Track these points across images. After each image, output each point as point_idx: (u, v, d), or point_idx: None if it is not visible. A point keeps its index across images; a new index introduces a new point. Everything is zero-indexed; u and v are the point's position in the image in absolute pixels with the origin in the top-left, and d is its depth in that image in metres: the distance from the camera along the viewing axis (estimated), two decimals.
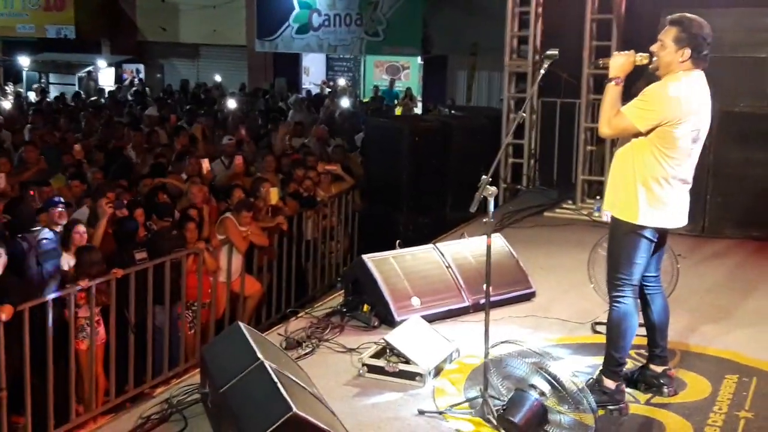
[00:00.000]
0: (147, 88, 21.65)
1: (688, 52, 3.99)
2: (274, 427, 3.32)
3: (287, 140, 11.76)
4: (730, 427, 4.08)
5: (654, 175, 4.06)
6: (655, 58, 4.09)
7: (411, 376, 4.53)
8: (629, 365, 4.56)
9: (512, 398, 3.96)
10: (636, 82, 4.22)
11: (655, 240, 4.20)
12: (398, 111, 18.14)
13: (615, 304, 4.24)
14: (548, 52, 4.18)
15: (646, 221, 4.09)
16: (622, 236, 4.17)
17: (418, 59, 21.89)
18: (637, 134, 4.05)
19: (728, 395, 4.43)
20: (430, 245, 6.04)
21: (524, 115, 9.38)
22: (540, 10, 9.62)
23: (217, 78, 22.56)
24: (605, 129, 4.11)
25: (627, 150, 4.14)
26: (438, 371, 4.63)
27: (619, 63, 4.12)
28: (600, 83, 8.85)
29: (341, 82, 22.22)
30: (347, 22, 21.66)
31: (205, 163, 9.17)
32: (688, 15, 4.06)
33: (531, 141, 9.85)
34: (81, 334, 6.13)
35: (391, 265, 5.54)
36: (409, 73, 22.69)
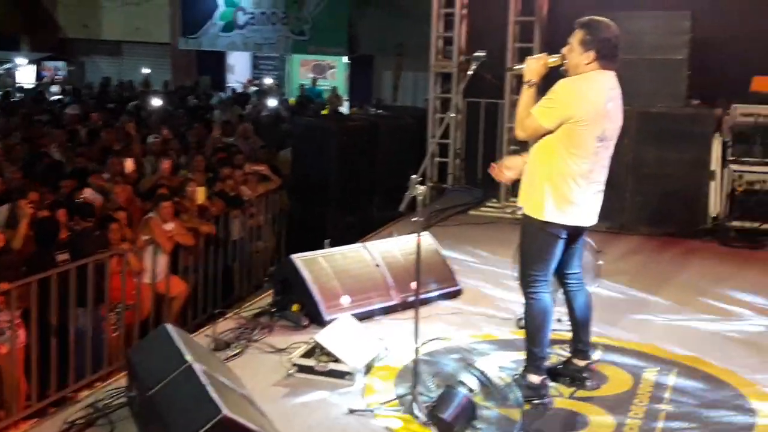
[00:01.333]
0: (73, 87, 21.05)
1: (593, 54, 4.08)
2: (203, 430, 3.29)
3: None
4: (650, 418, 4.20)
5: (561, 173, 4.12)
6: (566, 60, 4.20)
7: (341, 374, 4.54)
8: (553, 359, 4.67)
9: (441, 395, 4.01)
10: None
11: (565, 237, 4.26)
12: (325, 111, 18.12)
13: (530, 300, 4.32)
14: (476, 54, 4.25)
15: (553, 218, 4.16)
16: (532, 233, 4.25)
17: (345, 59, 21.90)
18: (548, 133, 4.13)
19: (648, 388, 4.56)
20: (360, 244, 6.07)
21: (452, 115, 9.49)
22: (465, 11, 9.74)
23: (145, 71, 22.11)
24: (519, 132, 4.23)
25: (537, 148, 4.22)
26: (368, 369, 4.65)
27: (533, 67, 4.23)
28: (522, 84, 9.04)
29: (267, 81, 22.06)
30: (273, 21, 21.54)
31: (128, 162, 9.00)
32: (596, 18, 4.16)
33: (456, 141, 9.97)
34: (1, 338, 5.96)
35: (320, 265, 5.54)
36: (335, 73, 22.69)
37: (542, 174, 4.17)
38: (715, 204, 8.00)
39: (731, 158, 7.95)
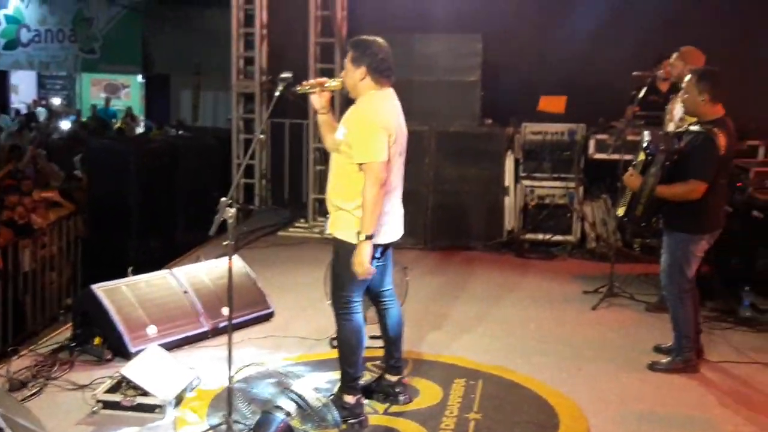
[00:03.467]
0: None
1: (364, 69, 4.17)
2: None
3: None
4: (461, 428, 4.32)
5: (384, 191, 4.16)
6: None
7: (150, 408, 4.35)
8: (367, 377, 4.72)
9: (258, 421, 3.93)
10: None
11: (378, 256, 4.32)
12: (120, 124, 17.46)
13: (343, 322, 4.34)
14: (282, 75, 4.24)
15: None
16: (345, 256, 4.20)
17: (139, 78, 21.20)
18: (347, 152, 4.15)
19: (458, 398, 4.70)
20: (166, 270, 5.85)
21: (262, 137, 9.42)
22: (265, 31, 9.71)
23: None
24: (375, 187, 4.05)
25: (341, 169, 4.22)
26: (179, 401, 4.48)
27: (315, 99, 4.33)
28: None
29: (56, 101, 20.92)
30: (60, 38, 20.52)
31: None
32: (365, 37, 4.28)
33: (262, 162, 9.90)
34: None
35: (123, 294, 5.29)
36: (130, 92, 21.91)
37: (350, 196, 4.16)
38: (510, 218, 8.43)
39: (523, 174, 8.42)
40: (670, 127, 6.12)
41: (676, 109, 6.01)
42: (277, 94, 4.21)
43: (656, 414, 4.59)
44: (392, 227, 4.33)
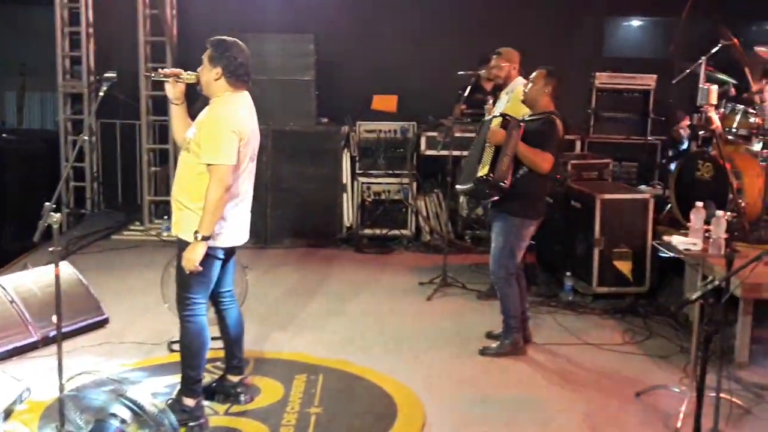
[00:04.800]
0: None
1: (220, 70, 4.19)
2: None
3: None
4: (302, 423, 4.40)
5: (229, 196, 4.17)
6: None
7: None
8: (207, 378, 4.69)
9: (92, 430, 3.83)
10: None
11: (222, 258, 4.35)
12: None
13: (186, 323, 4.31)
14: (106, 75, 4.18)
15: (215, 243, 4.20)
16: None
17: None
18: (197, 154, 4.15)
19: (299, 394, 4.77)
20: None
21: (86, 138, 9.11)
22: (91, 30, 9.39)
23: None
24: (219, 190, 4.05)
25: (188, 170, 4.21)
26: (8, 414, 4.30)
27: (169, 89, 4.31)
28: (158, 105, 8.97)
29: None
30: None
31: None
32: (225, 38, 4.30)
33: (93, 164, 9.57)
34: None
35: None
36: None
37: (197, 196, 4.13)
38: (348, 214, 8.58)
39: (359, 172, 8.58)
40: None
41: (497, 106, 6.31)
42: (101, 94, 4.13)
43: (488, 397, 4.83)
44: (239, 231, 4.35)
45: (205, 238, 4.07)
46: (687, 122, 8.07)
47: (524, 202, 5.34)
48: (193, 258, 4.08)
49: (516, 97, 5.86)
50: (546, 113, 5.34)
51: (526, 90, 5.44)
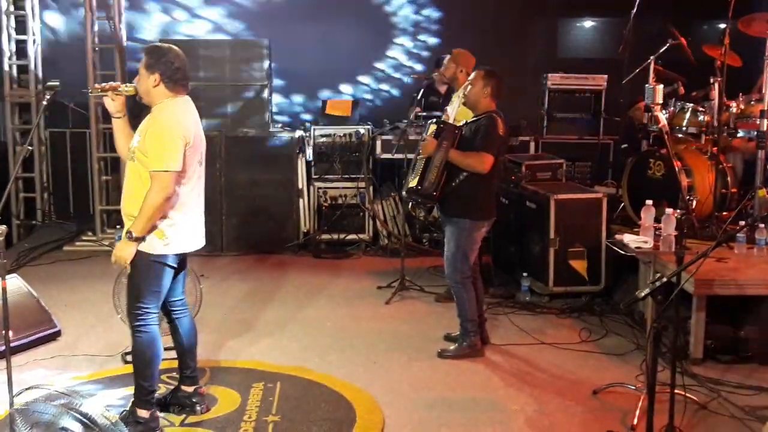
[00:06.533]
0: None
1: (158, 76, 4.15)
2: None
3: None
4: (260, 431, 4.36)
5: (170, 203, 4.14)
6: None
7: None
8: (162, 389, 4.63)
9: None
10: None
11: (176, 266, 4.31)
12: None
13: (138, 334, 4.25)
14: (49, 83, 4.16)
15: (165, 251, 4.16)
16: (142, 267, 4.17)
17: None
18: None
19: (256, 402, 4.72)
20: None
21: (30, 148, 8.93)
22: (37, 38, 9.24)
23: None
24: (161, 196, 4.03)
25: (136, 179, 4.16)
26: None
27: (109, 103, 4.27)
28: (108, 113, 8.79)
29: None
30: None
31: None
32: (159, 44, 4.29)
33: (42, 174, 9.39)
34: None
35: None
36: None
37: None
38: (305, 220, 8.53)
39: (315, 176, 8.54)
40: None
41: (451, 108, 6.33)
42: (44, 103, 4.06)
43: (446, 399, 4.83)
44: (192, 237, 4.30)
45: (137, 239, 4.07)
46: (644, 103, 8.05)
47: (471, 205, 5.37)
48: (123, 256, 4.11)
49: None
50: (487, 113, 5.37)
51: (466, 92, 5.46)
